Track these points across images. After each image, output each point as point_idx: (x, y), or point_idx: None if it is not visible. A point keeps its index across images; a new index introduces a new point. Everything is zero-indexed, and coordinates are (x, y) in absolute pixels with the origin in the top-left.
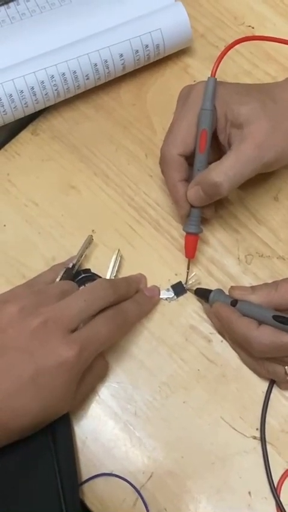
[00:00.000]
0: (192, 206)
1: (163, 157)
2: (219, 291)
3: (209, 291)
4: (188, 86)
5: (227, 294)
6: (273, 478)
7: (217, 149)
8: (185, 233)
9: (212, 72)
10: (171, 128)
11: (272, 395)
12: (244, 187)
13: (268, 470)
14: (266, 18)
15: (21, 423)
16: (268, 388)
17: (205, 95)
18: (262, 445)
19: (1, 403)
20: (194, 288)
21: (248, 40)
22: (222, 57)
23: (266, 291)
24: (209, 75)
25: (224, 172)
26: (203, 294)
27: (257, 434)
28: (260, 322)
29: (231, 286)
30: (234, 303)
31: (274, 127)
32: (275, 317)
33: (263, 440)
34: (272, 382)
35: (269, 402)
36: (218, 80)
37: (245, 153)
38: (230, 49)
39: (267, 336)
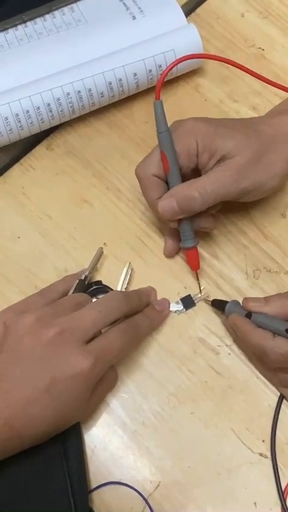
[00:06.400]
0: (178, 221)
1: (138, 179)
2: (235, 302)
3: (224, 303)
4: (178, 121)
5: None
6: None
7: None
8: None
9: (155, 95)
10: (149, 153)
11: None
12: (253, 204)
13: (278, 481)
14: (275, 40)
15: (34, 431)
16: (278, 402)
17: (156, 118)
18: (272, 458)
19: (17, 411)
20: (205, 301)
21: (182, 60)
22: (163, 80)
23: (279, 302)
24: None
25: (201, 187)
26: (219, 305)
27: (263, 446)
28: (275, 334)
29: (245, 298)
30: (248, 315)
31: (256, 159)
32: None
33: (273, 452)
34: (282, 397)
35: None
36: (211, 113)
37: (224, 174)
38: (166, 74)
39: (282, 346)
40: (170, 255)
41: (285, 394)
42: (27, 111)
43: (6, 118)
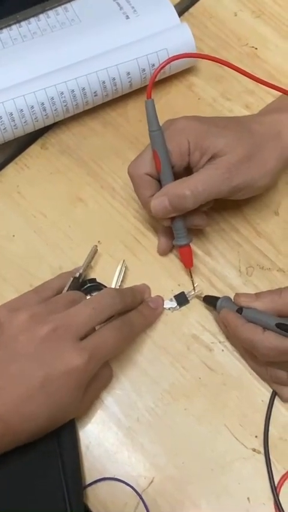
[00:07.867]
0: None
1: (130, 177)
2: (226, 298)
3: (216, 298)
4: (170, 120)
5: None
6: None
7: None
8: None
9: (147, 94)
10: (140, 153)
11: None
12: (246, 201)
13: (271, 476)
14: (268, 40)
15: (29, 428)
16: (270, 398)
17: (148, 117)
18: (265, 453)
19: (12, 408)
20: (198, 297)
21: (175, 59)
22: (154, 79)
23: (270, 297)
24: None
25: (193, 186)
26: (210, 301)
27: (257, 441)
28: (265, 328)
29: (236, 294)
30: (239, 310)
31: (248, 157)
32: (278, 325)
33: (266, 448)
34: (274, 394)
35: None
36: (202, 111)
37: (216, 173)
38: (157, 74)
39: (271, 340)
40: (163, 252)
41: (276, 389)
42: (21, 110)
43: (1, 117)
